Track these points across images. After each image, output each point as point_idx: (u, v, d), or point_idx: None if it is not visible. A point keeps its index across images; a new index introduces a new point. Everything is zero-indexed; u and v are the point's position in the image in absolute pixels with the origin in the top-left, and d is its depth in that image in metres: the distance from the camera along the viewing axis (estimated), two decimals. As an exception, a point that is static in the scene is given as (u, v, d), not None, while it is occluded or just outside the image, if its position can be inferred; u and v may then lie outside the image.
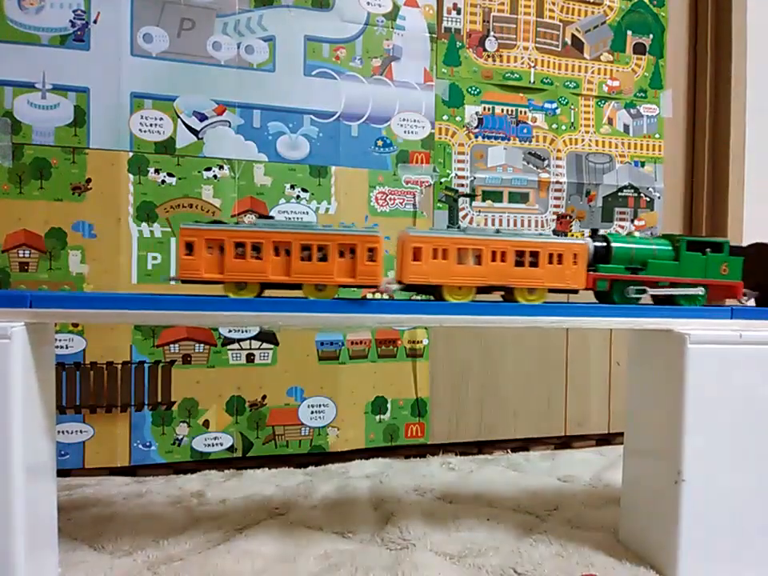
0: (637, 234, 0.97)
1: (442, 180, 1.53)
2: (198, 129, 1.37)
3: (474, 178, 1.56)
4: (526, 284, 0.87)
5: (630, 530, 1.00)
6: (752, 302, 1.02)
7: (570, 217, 1.64)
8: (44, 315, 0.77)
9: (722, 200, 1.72)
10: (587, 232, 0.99)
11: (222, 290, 0.83)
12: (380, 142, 1.49)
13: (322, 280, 0.82)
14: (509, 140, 1.59)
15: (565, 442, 1.69)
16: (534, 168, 1.61)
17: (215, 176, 1.38)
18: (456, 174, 1.55)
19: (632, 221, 1.70)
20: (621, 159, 1.68)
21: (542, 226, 1.62)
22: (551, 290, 0.89)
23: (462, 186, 1.55)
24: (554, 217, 1.63)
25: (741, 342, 0.90)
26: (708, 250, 0.92)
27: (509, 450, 1.63)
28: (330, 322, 1.02)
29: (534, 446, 1.66)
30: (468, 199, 1.56)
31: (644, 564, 0.93)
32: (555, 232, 1.63)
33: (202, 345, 1.38)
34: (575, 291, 0.90)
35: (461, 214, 1.55)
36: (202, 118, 1.37)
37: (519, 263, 0.87)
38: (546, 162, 1.62)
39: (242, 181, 1.40)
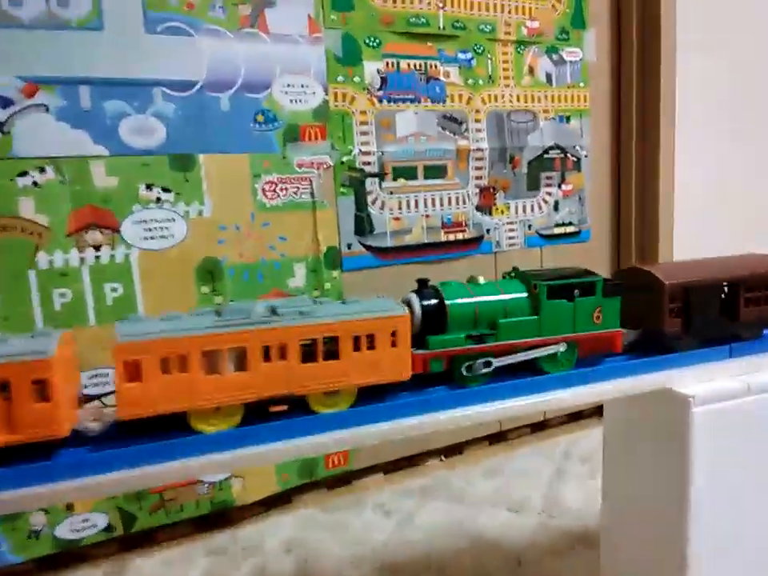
0: (482, 279, 0.68)
1: (344, 159, 1.23)
2: (3, 119, 0.98)
3: (382, 152, 1.27)
4: (321, 387, 0.58)
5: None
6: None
7: (494, 189, 1.40)
8: None
9: (652, 152, 1.54)
10: (414, 287, 0.66)
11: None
12: (260, 117, 1.15)
13: None
14: (419, 102, 1.30)
15: (499, 434, 1.53)
16: (451, 134, 1.34)
17: (35, 183, 1.00)
18: (360, 150, 1.25)
19: (559, 185, 1.50)
20: (545, 115, 1.45)
21: (464, 203, 1.37)
22: (363, 389, 0.61)
23: (368, 163, 1.26)
24: (477, 191, 1.38)
25: (749, 392, 0.72)
26: (576, 292, 0.68)
27: (442, 458, 1.45)
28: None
29: (468, 447, 1.49)
30: (377, 179, 1.27)
31: None
32: (478, 208, 1.39)
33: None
34: (400, 383, 0.62)
35: (369, 198, 1.27)
36: (6, 103, 0.97)
37: (309, 356, 0.58)
38: (464, 126, 1.35)
39: (76, 185, 1.03)
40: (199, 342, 0.54)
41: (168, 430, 0.56)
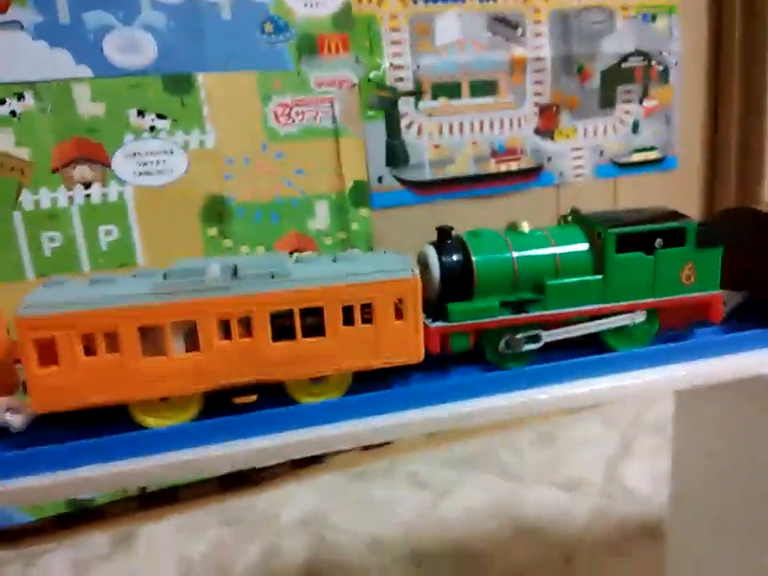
0: (525, 226, 0.51)
1: (372, 75, 1.04)
2: (-33, 37, 0.86)
3: (418, 66, 1.07)
4: (298, 373, 0.45)
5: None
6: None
7: (557, 107, 1.17)
8: None
9: (760, 58, 1.25)
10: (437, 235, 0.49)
11: None
12: (268, 26, 0.98)
13: None
14: (463, 1, 1.08)
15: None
16: (504, 40, 1.11)
17: (13, 112, 0.89)
18: (391, 64, 1.05)
19: (640, 101, 1.24)
20: (624, 13, 1.18)
21: (520, 126, 1.15)
22: (358, 373, 0.46)
23: (402, 80, 1.06)
24: (535, 110, 1.16)
25: None
26: (658, 242, 0.49)
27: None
28: None
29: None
30: (412, 99, 1.08)
31: None
32: (538, 131, 1.17)
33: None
34: (414, 365, 0.46)
35: (403, 122, 1.08)
36: (-31, 18, 0.85)
37: (283, 333, 0.44)
38: (520, 30, 1.12)
39: (59, 114, 0.90)
40: (133, 314, 0.42)
41: (110, 422, 0.44)
